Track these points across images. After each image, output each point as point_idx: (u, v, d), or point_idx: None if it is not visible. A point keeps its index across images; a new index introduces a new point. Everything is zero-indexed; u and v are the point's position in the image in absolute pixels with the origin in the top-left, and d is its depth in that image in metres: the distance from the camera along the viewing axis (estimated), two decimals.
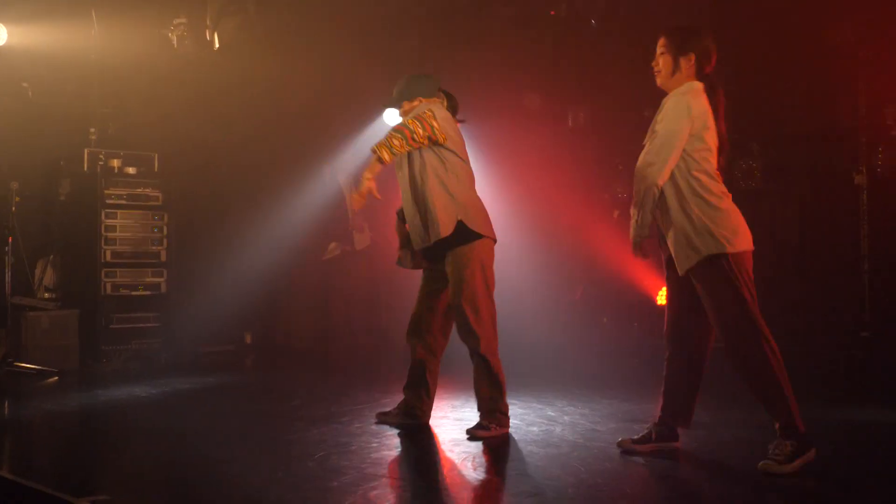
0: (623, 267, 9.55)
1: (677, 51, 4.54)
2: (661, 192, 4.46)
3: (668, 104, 4.50)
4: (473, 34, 9.10)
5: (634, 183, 4.55)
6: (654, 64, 4.65)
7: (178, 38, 8.69)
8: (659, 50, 4.62)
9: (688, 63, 4.52)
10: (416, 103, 5.51)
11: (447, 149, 5.33)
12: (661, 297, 9.09)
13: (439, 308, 5.58)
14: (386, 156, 5.20)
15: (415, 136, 5.21)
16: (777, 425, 4.37)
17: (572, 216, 9.84)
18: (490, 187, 5.65)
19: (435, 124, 5.25)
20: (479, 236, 5.32)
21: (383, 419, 5.72)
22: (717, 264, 4.39)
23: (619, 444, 4.87)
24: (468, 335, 5.32)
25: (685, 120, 4.41)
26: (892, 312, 8.41)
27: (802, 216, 9.02)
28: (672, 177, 4.45)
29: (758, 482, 4.24)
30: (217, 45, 8.60)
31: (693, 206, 4.40)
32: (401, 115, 5.60)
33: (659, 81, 4.64)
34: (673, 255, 4.52)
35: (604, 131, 10.07)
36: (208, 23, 8.66)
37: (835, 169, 8.80)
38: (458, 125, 5.55)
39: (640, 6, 8.74)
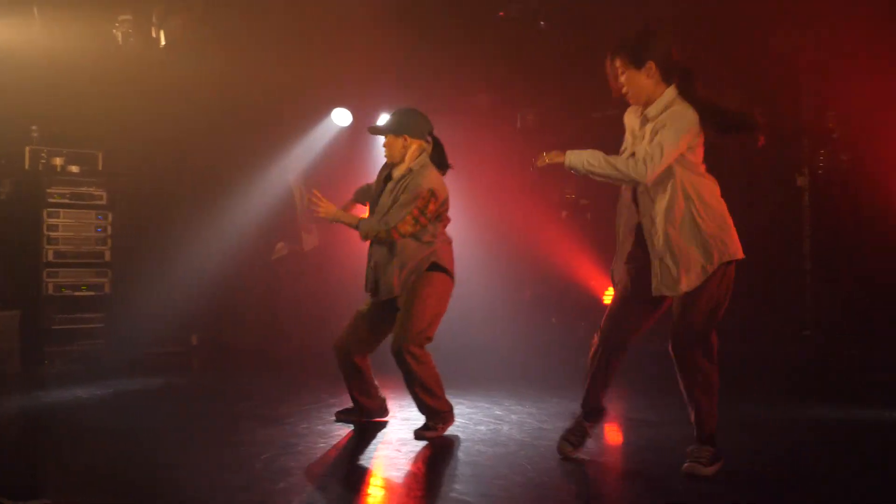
0: (571, 268, 9.65)
1: (634, 66, 4.44)
2: (664, 209, 4.38)
3: (667, 116, 4.37)
4: (423, 35, 9.11)
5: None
6: (618, 86, 4.54)
7: (123, 36, 8.58)
8: (618, 70, 4.51)
9: (650, 73, 4.43)
10: (401, 140, 5.48)
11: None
12: (608, 297, 9.17)
13: (371, 340, 5.64)
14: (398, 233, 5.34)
15: (419, 220, 5.32)
16: (697, 434, 4.47)
17: (521, 217, 9.90)
18: None
19: (431, 208, 5.33)
20: (444, 270, 5.43)
21: (343, 417, 5.80)
22: (728, 270, 4.42)
23: (559, 451, 4.81)
24: (400, 339, 5.32)
25: (686, 133, 4.34)
26: (834, 311, 8.59)
27: (747, 217, 9.12)
28: (679, 183, 4.38)
29: (703, 479, 4.30)
30: (163, 43, 8.51)
31: (704, 212, 4.39)
32: (384, 145, 5.57)
33: (633, 102, 4.55)
34: (681, 268, 4.37)
35: (552, 133, 10.13)
36: (154, 20, 8.56)
37: (778, 171, 8.97)
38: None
39: (589, 9, 8.82)
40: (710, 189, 4.46)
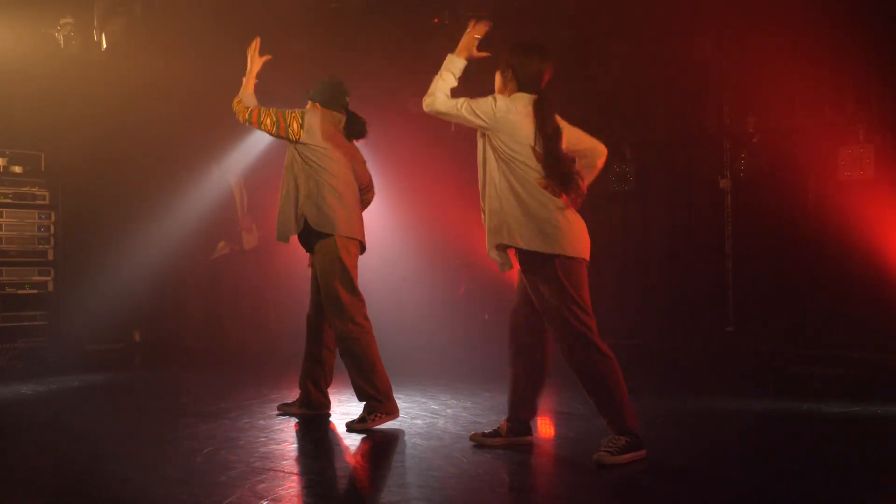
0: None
1: (504, 63, 4.84)
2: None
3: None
4: (361, 40, 9.22)
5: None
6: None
7: (64, 38, 8.59)
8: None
9: (506, 76, 4.81)
10: (308, 105, 5.77)
11: (310, 147, 5.57)
12: None
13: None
14: (240, 118, 5.66)
15: (278, 130, 5.55)
16: (607, 423, 4.58)
17: (455, 215, 10.03)
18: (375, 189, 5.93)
19: (294, 126, 5.54)
20: (330, 235, 5.53)
21: (285, 410, 5.92)
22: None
23: (471, 438, 5.02)
24: (331, 324, 5.58)
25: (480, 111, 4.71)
26: (755, 308, 8.83)
27: (671, 217, 9.38)
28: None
29: (613, 468, 4.42)
30: (105, 46, 8.54)
31: None
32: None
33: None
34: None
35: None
36: (95, 23, 8.58)
37: (702, 173, 9.21)
38: (347, 140, 5.76)
39: (522, 15, 8.97)
40: None
